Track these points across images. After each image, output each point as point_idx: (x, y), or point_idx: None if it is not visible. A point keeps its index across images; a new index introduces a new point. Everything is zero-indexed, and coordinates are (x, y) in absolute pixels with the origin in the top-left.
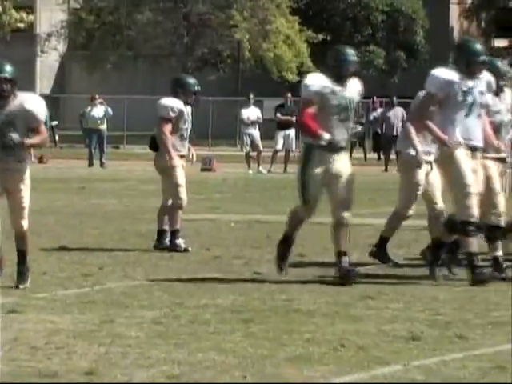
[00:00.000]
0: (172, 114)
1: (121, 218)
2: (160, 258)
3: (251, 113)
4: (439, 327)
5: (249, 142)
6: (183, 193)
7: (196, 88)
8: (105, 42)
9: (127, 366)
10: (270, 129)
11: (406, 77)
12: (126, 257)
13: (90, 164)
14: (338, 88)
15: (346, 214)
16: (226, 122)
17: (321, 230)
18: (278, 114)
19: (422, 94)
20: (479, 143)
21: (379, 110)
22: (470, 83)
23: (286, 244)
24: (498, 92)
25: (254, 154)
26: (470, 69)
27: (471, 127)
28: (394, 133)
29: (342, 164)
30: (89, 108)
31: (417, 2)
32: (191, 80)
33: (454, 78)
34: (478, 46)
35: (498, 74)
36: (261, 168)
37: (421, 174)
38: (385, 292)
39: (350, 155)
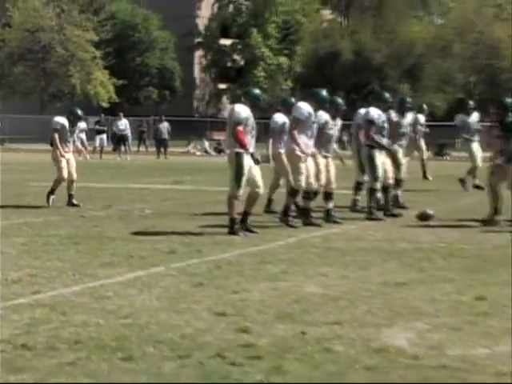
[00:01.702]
0: (58, 127)
1: (5, 187)
2: (30, 209)
3: (81, 125)
4: (186, 246)
5: (79, 142)
6: (63, 172)
7: (80, 115)
8: None
9: (4, 270)
10: (91, 134)
11: (170, 105)
12: (8, 208)
13: None
14: (251, 114)
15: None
16: None
17: (125, 192)
18: (97, 126)
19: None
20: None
21: (156, 125)
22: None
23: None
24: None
25: (83, 149)
26: (322, 106)
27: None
28: (163, 137)
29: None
30: None
31: (175, 62)
32: (78, 112)
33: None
34: (326, 94)
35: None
36: (87, 156)
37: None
38: (160, 225)
39: (139, 149)
